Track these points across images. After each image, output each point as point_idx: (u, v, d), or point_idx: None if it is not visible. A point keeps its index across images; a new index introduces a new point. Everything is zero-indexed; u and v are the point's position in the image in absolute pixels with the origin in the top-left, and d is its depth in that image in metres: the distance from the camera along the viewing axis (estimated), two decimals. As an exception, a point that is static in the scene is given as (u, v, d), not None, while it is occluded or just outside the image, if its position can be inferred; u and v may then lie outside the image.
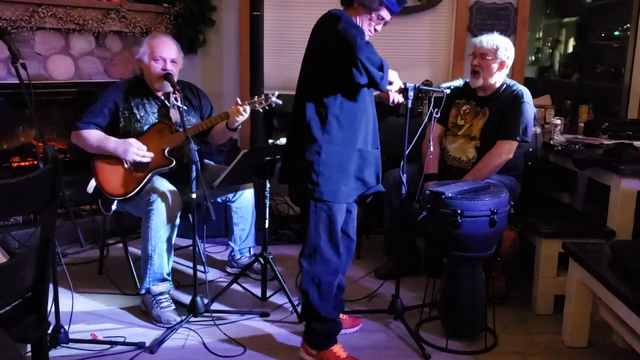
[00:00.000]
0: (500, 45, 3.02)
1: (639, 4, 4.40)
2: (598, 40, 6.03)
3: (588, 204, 4.16)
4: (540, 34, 6.82)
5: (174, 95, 2.73)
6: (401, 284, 2.75)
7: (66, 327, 2.44)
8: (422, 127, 2.66)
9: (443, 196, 2.46)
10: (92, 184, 2.88)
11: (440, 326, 2.72)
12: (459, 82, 2.79)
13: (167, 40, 3.01)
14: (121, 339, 2.56)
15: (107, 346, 2.52)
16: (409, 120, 2.56)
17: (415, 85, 2.55)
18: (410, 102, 2.60)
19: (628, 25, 4.84)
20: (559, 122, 3.58)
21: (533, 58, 6.52)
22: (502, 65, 3.05)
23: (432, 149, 2.75)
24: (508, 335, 2.71)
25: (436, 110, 2.60)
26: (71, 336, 2.47)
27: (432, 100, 2.59)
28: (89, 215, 3.76)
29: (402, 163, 2.58)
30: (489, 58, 3.03)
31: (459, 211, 2.42)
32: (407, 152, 2.59)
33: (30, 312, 1.78)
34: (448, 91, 2.66)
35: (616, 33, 5.44)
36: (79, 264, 3.43)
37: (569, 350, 2.59)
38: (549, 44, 7.11)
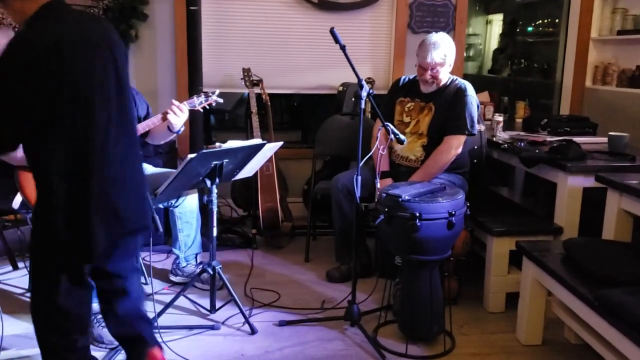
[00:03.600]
0: (447, 51, 3.01)
1: (568, 1, 4.52)
2: (528, 37, 6.21)
3: (525, 197, 4.27)
4: (470, 30, 6.94)
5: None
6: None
7: (-4, 354, 2.22)
8: (369, 154, 2.65)
9: (400, 199, 2.40)
10: (18, 199, 2.61)
11: (397, 330, 2.67)
12: (404, 138, 2.68)
13: None
14: (60, 364, 2.34)
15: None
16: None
17: (370, 91, 2.50)
18: (363, 102, 2.55)
19: (557, 20, 4.99)
20: (501, 119, 3.62)
21: (465, 54, 6.65)
22: (450, 66, 3.06)
23: (378, 185, 2.65)
24: (465, 336, 2.70)
25: (382, 147, 2.62)
26: (3, 364, 2.24)
27: (379, 135, 2.56)
28: (14, 226, 3.46)
29: (357, 168, 2.52)
30: (440, 68, 3.02)
31: (418, 214, 2.37)
32: (360, 155, 2.54)
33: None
34: (392, 137, 2.58)
35: (531, 29, 5.62)
36: (7, 281, 3.14)
37: (525, 348, 2.60)
38: (479, 41, 7.27)
